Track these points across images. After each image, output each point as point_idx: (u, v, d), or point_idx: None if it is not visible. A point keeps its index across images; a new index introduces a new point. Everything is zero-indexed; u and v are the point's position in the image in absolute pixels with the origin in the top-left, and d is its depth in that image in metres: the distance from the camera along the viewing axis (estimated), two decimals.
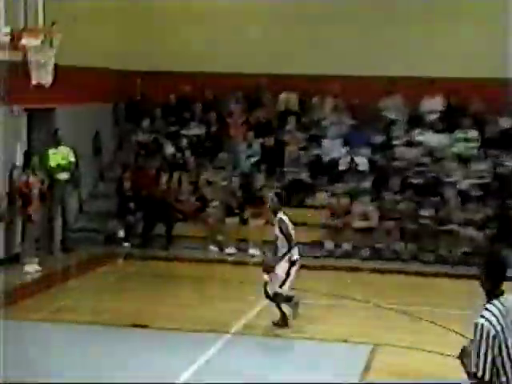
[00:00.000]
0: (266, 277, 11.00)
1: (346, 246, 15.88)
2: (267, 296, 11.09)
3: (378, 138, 17.80)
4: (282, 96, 18.81)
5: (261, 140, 17.94)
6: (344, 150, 17.61)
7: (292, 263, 10.94)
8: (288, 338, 10.78)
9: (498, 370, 4.93)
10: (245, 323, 11.36)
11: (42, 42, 13.74)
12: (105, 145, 18.33)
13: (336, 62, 18.00)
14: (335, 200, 16.11)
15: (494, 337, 4.91)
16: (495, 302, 5.07)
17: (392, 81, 17.93)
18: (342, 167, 17.29)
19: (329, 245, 15.93)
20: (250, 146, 17.89)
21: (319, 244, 15.95)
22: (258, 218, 16.29)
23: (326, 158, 17.66)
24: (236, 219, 16.40)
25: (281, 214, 11.19)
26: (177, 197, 16.91)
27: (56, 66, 13.84)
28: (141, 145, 18.24)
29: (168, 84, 18.62)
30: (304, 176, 17.40)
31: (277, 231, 11.07)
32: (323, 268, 15.24)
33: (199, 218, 16.52)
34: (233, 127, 18.35)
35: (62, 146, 15.77)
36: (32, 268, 14.22)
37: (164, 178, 17.10)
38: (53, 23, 13.93)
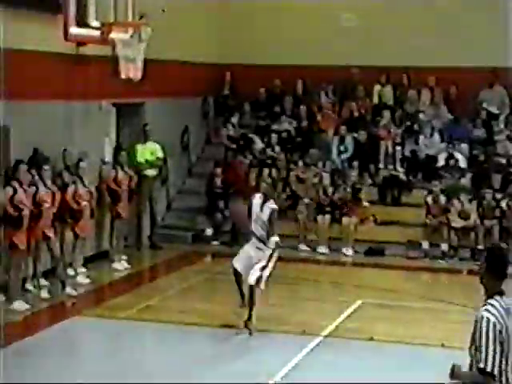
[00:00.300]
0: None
1: (444, 247, 15.65)
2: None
3: (478, 133, 17.50)
4: (376, 88, 18.66)
5: (354, 135, 17.80)
6: (442, 146, 17.39)
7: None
8: (381, 342, 10.61)
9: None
10: (336, 325, 11.29)
11: (131, 36, 14.01)
12: (193, 140, 18.46)
13: (431, 53, 17.77)
14: (432, 198, 15.86)
15: (500, 331, 4.94)
16: (495, 300, 5.13)
17: (494, 72, 17.67)
18: (439, 163, 17.08)
19: (425, 245, 15.73)
20: (342, 141, 17.76)
21: (416, 244, 15.80)
22: (352, 216, 16.20)
23: (422, 154, 17.45)
24: (328, 217, 16.29)
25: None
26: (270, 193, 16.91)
27: (145, 60, 14.12)
28: (231, 140, 18.32)
29: (257, 77, 18.61)
30: (400, 173, 17.26)
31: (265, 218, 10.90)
32: (420, 269, 15.13)
33: (290, 216, 16.47)
34: (324, 121, 18.25)
35: (150, 142, 15.96)
36: (121, 265, 14.44)
37: (253, 174, 17.09)
38: (141, 16, 14.18)
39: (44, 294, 12.33)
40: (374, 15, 18.33)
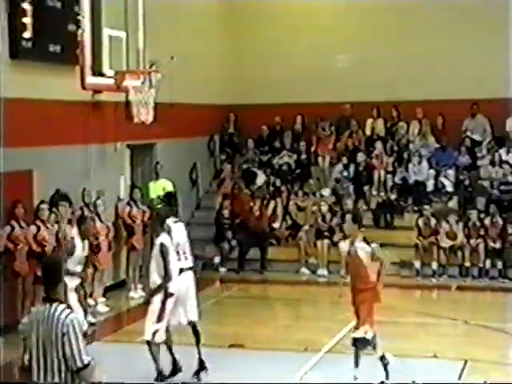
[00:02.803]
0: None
1: (434, 265, 15.63)
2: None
3: (463, 159, 17.58)
4: (369, 122, 18.77)
5: (351, 166, 17.91)
6: (430, 172, 17.46)
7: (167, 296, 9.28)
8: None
9: None
10: (336, 342, 11.30)
11: (143, 83, 14.09)
12: (201, 175, 18.53)
13: (419, 88, 17.96)
14: (423, 221, 15.92)
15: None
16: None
17: (476, 103, 17.81)
18: (428, 188, 17.17)
19: (417, 264, 15.72)
20: (345, 168, 17.85)
21: (408, 264, 15.77)
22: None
23: (412, 180, 17.52)
24: (326, 242, 16.33)
25: (163, 237, 9.37)
26: (270, 223, 17.01)
27: (156, 104, 14.22)
28: (237, 174, 18.43)
29: (259, 116, 18.78)
30: (392, 198, 17.31)
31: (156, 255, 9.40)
32: (412, 287, 15.08)
33: (291, 242, 16.53)
34: (321, 147, 18.34)
35: (161, 179, 15.97)
36: (136, 294, 14.44)
37: (257, 205, 17.19)
38: (151, 64, 14.25)
39: None
40: (365, 54, 18.46)
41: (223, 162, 18.91)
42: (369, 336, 9.26)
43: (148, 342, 9.32)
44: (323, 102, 18.44)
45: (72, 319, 5.38)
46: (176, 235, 9.65)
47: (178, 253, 9.56)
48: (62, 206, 12.74)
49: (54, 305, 5.41)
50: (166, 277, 9.17)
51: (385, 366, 9.23)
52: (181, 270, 9.51)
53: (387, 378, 9.21)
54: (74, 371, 5.39)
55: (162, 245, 9.25)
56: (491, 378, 9.54)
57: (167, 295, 9.23)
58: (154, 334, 9.22)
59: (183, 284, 9.54)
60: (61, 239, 12.22)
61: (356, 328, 9.39)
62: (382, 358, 9.25)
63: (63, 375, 5.37)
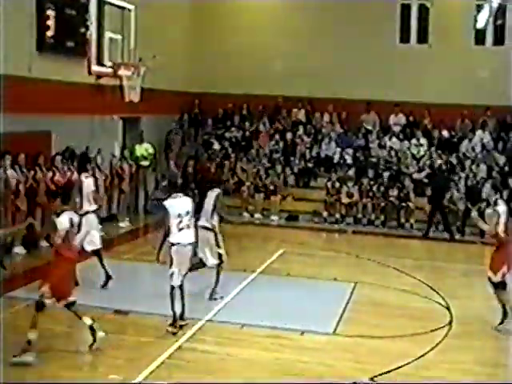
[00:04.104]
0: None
1: (337, 215, 15.81)
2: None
3: (360, 141, 17.69)
4: (294, 111, 18.72)
5: (281, 142, 17.86)
6: (337, 149, 17.54)
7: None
8: (294, 277, 10.67)
9: None
10: (266, 266, 11.36)
11: (133, 73, 13.94)
12: (173, 142, 18.29)
13: (330, 89, 17.83)
14: (330, 183, 16.07)
15: None
16: None
17: (370, 103, 17.86)
18: (335, 161, 17.27)
19: (325, 214, 15.88)
20: (276, 144, 17.74)
21: (319, 214, 15.91)
22: (277, 195, 16.29)
23: (324, 154, 17.62)
24: (261, 195, 16.36)
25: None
26: (222, 179, 16.93)
27: (142, 89, 14.04)
28: (199, 143, 18.20)
29: (217, 101, 18.50)
30: (309, 166, 17.34)
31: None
32: (321, 230, 15.20)
33: (237, 194, 16.53)
34: (264, 138, 18.12)
35: (144, 143, 15.82)
36: (124, 224, 14.34)
37: (213, 166, 17.10)
38: (140, 59, 14.10)
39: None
40: (294, 57, 18.11)
41: (190, 134, 18.57)
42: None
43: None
44: (263, 94, 18.25)
45: None
46: None
47: None
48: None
49: None
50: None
51: None
52: None
53: None
54: None
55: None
56: (373, 295, 9.76)
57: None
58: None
59: None
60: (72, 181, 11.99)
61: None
62: None
63: None
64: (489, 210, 8.95)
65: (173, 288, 7.80)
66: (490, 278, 8.33)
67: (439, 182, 15.11)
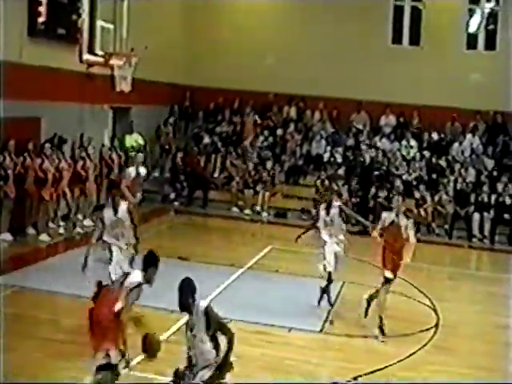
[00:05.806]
0: None
1: None
2: None
3: (350, 141, 17.65)
4: (285, 108, 18.62)
5: (271, 139, 17.77)
6: (327, 148, 17.46)
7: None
8: (282, 273, 10.64)
9: None
10: (255, 261, 11.31)
11: (124, 63, 13.78)
12: (163, 134, 18.13)
13: (322, 87, 17.70)
14: (320, 181, 16.03)
15: None
16: None
17: (361, 103, 17.80)
18: (325, 159, 17.18)
19: (313, 212, 15.71)
20: (265, 140, 17.65)
21: (307, 211, 15.76)
22: (266, 191, 16.19)
23: (314, 152, 17.55)
24: (251, 191, 16.26)
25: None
26: (211, 173, 16.85)
27: (133, 79, 13.89)
28: (189, 136, 18.04)
29: (209, 95, 18.35)
30: (299, 164, 17.26)
31: None
32: (308, 227, 15.12)
33: (226, 188, 16.43)
34: (248, 128, 18.02)
35: (134, 133, 15.67)
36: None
37: (203, 159, 16.98)
38: (131, 49, 13.94)
39: (61, 230, 12.13)
40: (286, 55, 17.96)
41: (180, 127, 18.43)
42: None
43: None
44: (254, 90, 18.10)
45: None
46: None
47: None
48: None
49: None
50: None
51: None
52: None
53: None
54: None
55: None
56: (360, 294, 9.67)
57: None
58: None
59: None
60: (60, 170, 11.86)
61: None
62: None
63: None
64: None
65: None
66: None
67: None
